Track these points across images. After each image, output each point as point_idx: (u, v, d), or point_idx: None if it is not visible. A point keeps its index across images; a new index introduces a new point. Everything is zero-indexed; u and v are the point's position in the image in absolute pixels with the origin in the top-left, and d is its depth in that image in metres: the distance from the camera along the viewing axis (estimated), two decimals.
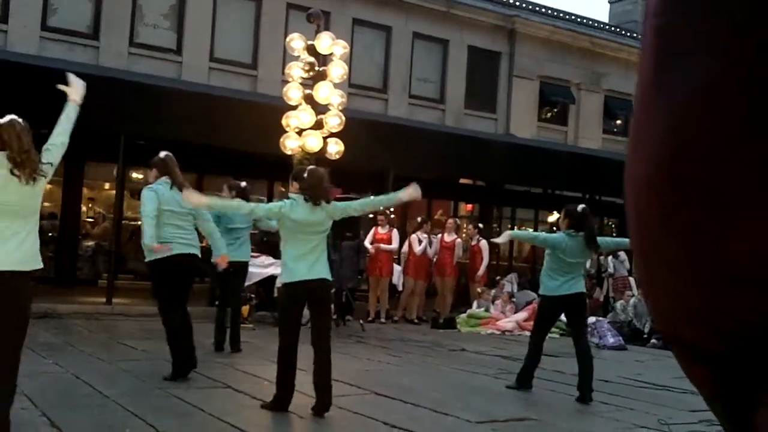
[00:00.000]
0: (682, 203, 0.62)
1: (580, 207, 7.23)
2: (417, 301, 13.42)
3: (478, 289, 13.55)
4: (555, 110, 21.96)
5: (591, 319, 12.21)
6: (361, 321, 11.80)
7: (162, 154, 6.85)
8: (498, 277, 14.98)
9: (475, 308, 13.12)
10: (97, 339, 8.38)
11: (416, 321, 13.15)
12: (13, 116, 4.80)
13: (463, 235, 14.44)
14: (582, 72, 21.69)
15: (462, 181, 19.48)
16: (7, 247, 3.95)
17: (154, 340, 8.03)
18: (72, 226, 15.50)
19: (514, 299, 13.76)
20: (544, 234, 7.18)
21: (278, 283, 11.68)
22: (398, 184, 15.05)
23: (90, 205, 16.39)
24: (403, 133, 15.42)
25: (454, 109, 19.71)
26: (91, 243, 15.71)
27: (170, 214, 6.51)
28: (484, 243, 14.12)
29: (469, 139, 16.95)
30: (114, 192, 14.29)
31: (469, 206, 20.97)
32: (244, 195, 7.81)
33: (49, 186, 15.77)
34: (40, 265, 4.14)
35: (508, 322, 12.47)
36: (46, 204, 15.88)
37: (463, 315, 12.85)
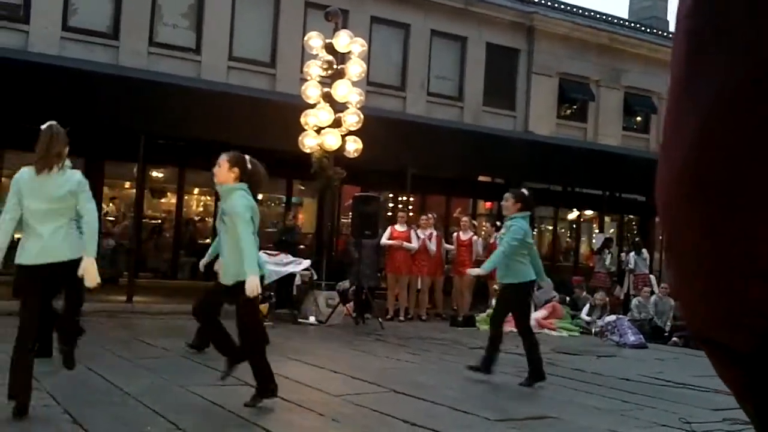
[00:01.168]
0: (705, 203, 0.63)
1: (525, 190, 7.28)
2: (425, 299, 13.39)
3: (495, 287, 13.46)
4: (574, 107, 21.83)
5: (611, 317, 12.16)
6: (380, 319, 11.81)
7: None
8: None
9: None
10: (117, 337, 8.44)
11: (423, 318, 13.10)
12: (52, 123, 4.97)
13: (482, 233, 14.33)
14: (601, 69, 21.54)
15: (480, 178, 19.43)
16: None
17: (173, 338, 8.09)
18: None
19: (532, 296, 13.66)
20: (508, 238, 6.89)
21: (298, 280, 11.79)
22: (416, 181, 15.19)
23: (110, 204, 16.52)
24: (421, 131, 15.39)
25: (473, 107, 19.65)
26: (111, 241, 15.82)
27: None
28: None
29: (488, 137, 16.90)
30: (134, 191, 14.39)
31: (488, 204, 20.88)
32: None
33: None
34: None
35: None
36: None
37: (483, 314, 12.80)
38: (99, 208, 16.58)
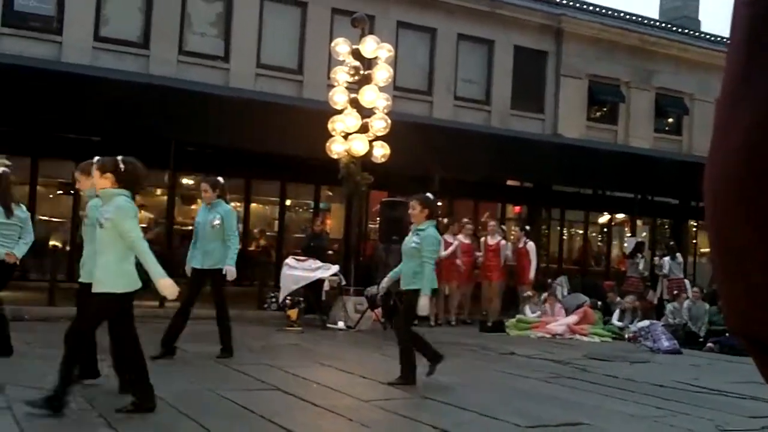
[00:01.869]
0: (759, 195, 0.61)
1: (430, 194, 7.18)
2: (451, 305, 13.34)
3: (528, 293, 13.37)
4: (604, 109, 21.63)
5: (644, 323, 12.00)
6: None
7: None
8: (549, 280, 14.80)
9: (528, 313, 12.94)
10: (150, 341, 8.48)
11: (452, 323, 13.02)
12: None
13: (511, 237, 14.25)
14: (631, 70, 21.33)
15: (509, 182, 19.32)
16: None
17: (204, 342, 8.14)
18: None
19: (561, 301, 13.57)
20: (429, 251, 6.78)
21: (326, 286, 11.81)
22: (444, 186, 15.15)
23: (142, 211, 16.69)
24: (448, 135, 15.36)
25: (500, 110, 19.57)
26: None
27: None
28: (531, 245, 13.95)
29: (516, 140, 16.81)
30: (165, 198, 14.54)
31: (517, 208, 20.78)
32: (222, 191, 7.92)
33: None
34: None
35: (558, 326, 12.29)
36: None
37: (512, 319, 12.72)
38: None
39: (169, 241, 14.71)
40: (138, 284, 5.26)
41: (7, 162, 15.71)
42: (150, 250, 5.23)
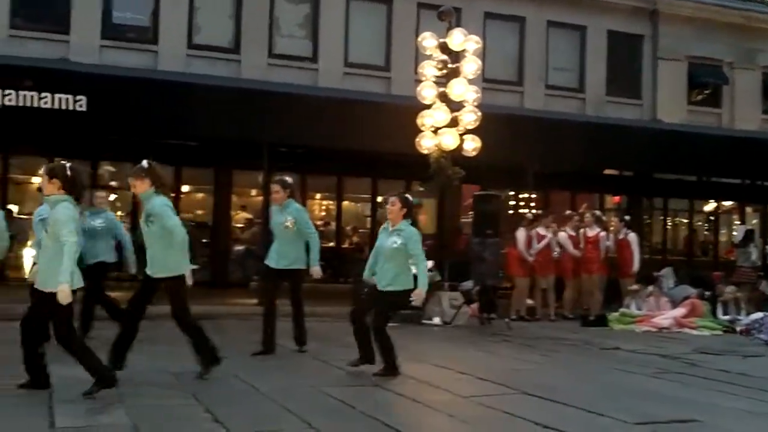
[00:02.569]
0: None
1: (408, 195, 7.04)
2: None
3: (633, 286, 12.90)
4: (706, 92, 20.62)
5: (758, 315, 11.40)
6: (506, 319, 11.58)
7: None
8: (655, 273, 14.28)
9: (632, 307, 12.50)
10: (249, 339, 8.63)
11: (551, 318, 12.72)
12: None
13: (610, 228, 13.79)
14: (734, 49, 20.29)
15: (607, 172, 18.80)
16: None
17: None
18: (223, 232, 16.20)
19: (666, 293, 13.05)
20: (414, 245, 6.69)
21: None
22: (538, 178, 14.85)
23: (239, 212, 17.08)
24: (541, 126, 15.08)
25: (595, 98, 19.02)
26: (241, 247, 16.36)
27: None
28: (632, 236, 13.48)
29: (613, 128, 16.33)
30: (260, 198, 14.80)
31: (616, 198, 20.18)
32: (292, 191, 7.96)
33: (201, 195, 16.46)
34: None
35: (665, 319, 11.79)
36: (199, 212, 16.76)
37: (615, 313, 12.29)
38: (228, 216, 17.23)
39: (265, 240, 14.96)
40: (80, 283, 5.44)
41: (112, 168, 16.44)
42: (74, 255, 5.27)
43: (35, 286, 5.58)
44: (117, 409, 5.09)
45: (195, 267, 8.82)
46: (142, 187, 6.13)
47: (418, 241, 6.75)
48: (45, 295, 5.30)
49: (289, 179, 7.91)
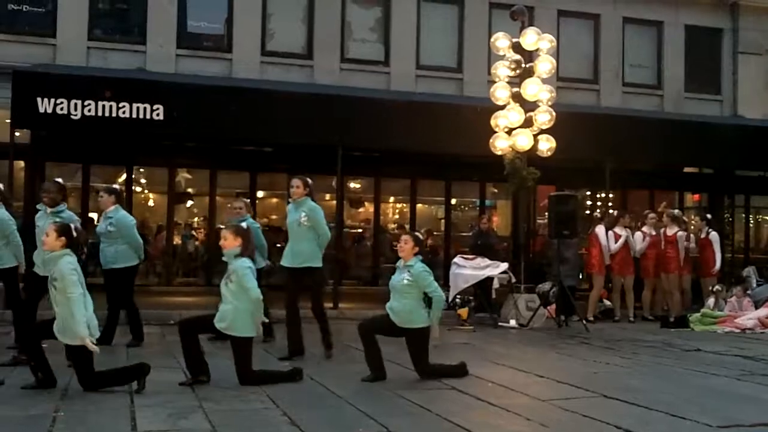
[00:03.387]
0: None
1: (420, 235, 7.10)
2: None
3: (717, 287, 12.52)
4: None
5: None
6: (584, 321, 11.41)
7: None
8: (743, 273, 13.82)
9: (713, 308, 12.14)
10: (316, 340, 8.76)
11: (630, 320, 12.46)
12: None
13: (691, 227, 13.44)
14: None
15: (686, 169, 18.33)
16: None
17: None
18: None
19: (749, 293, 12.62)
20: (424, 281, 6.63)
21: (496, 284, 11.69)
22: (616, 177, 14.58)
23: None
24: (618, 124, 14.81)
25: (673, 94, 18.53)
26: None
27: None
28: (714, 235, 13.12)
29: (692, 125, 15.88)
30: (334, 202, 14.97)
31: (696, 196, 19.61)
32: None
33: (275, 200, 16.62)
34: None
35: (748, 320, 11.42)
36: (273, 216, 17.04)
37: (697, 314, 11.97)
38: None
39: (340, 244, 15.13)
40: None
41: (188, 175, 16.88)
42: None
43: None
44: (196, 413, 5.22)
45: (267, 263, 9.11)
46: (232, 244, 6.35)
47: (427, 276, 6.70)
48: (71, 348, 5.80)
49: (309, 180, 8.01)
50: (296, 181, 7.95)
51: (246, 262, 6.36)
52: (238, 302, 6.24)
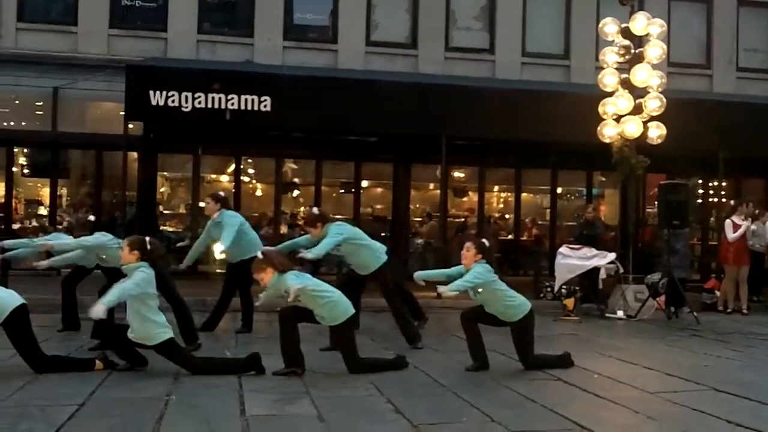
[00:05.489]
0: None
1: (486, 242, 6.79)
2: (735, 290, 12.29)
3: None
4: None
5: None
6: (695, 313, 11.08)
7: None
8: None
9: None
10: (430, 332, 8.89)
11: (744, 312, 11.98)
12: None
13: None
14: None
15: None
16: None
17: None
18: (402, 226, 16.63)
19: None
20: (473, 275, 6.52)
21: (602, 274, 11.48)
22: (729, 165, 13.99)
23: (417, 205, 17.41)
24: (732, 110, 14.25)
25: None
26: (420, 241, 16.68)
27: None
28: None
29: None
30: (438, 191, 15.04)
31: None
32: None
33: (380, 189, 16.81)
34: None
35: None
36: (378, 206, 17.28)
37: None
38: (407, 210, 17.37)
39: (444, 233, 15.20)
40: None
41: (294, 165, 17.25)
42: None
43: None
44: (303, 399, 5.38)
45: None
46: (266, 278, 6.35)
47: (474, 273, 6.54)
48: (157, 347, 6.14)
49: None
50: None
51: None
52: (330, 293, 6.38)
